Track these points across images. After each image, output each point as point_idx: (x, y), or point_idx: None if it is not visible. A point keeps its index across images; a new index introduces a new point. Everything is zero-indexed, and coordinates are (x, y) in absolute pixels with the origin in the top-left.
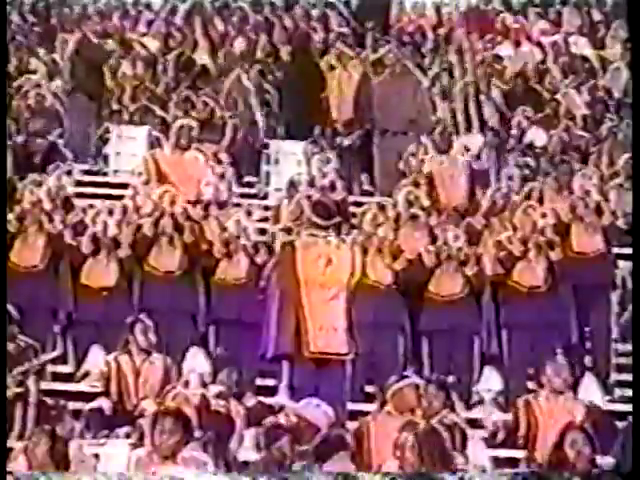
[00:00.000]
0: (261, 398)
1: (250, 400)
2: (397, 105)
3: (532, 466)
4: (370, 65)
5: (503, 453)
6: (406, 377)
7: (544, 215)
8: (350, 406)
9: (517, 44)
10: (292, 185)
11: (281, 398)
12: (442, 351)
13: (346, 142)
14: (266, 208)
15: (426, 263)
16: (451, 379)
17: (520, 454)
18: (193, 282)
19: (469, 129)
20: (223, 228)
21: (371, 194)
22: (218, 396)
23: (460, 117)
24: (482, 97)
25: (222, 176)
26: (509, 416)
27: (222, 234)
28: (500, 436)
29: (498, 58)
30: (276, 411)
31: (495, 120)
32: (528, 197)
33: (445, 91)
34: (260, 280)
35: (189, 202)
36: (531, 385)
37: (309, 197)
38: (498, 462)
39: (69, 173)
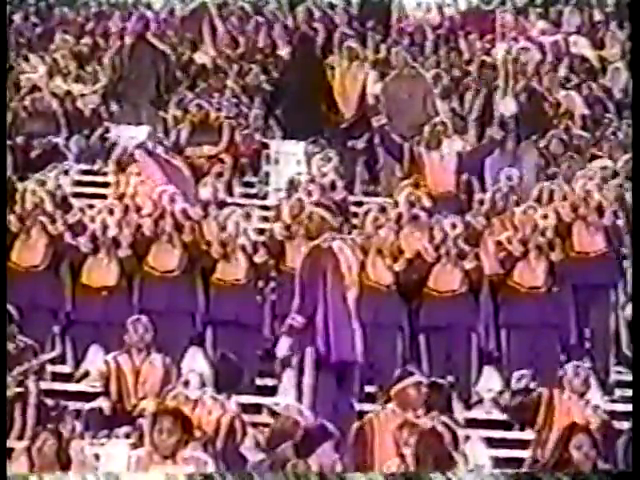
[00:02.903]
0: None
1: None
2: (406, 108)
3: (535, 466)
4: (374, 65)
5: (503, 453)
6: (410, 373)
7: (545, 216)
8: None
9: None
10: (292, 185)
11: (283, 398)
12: (440, 348)
13: (359, 145)
14: (266, 208)
15: (425, 258)
16: (450, 378)
17: (520, 454)
18: (192, 282)
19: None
20: (222, 228)
21: (373, 194)
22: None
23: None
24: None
25: (220, 175)
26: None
27: (221, 234)
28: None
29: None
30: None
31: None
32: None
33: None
34: (259, 280)
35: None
36: (532, 385)
37: (310, 195)
38: (498, 462)
39: (66, 172)
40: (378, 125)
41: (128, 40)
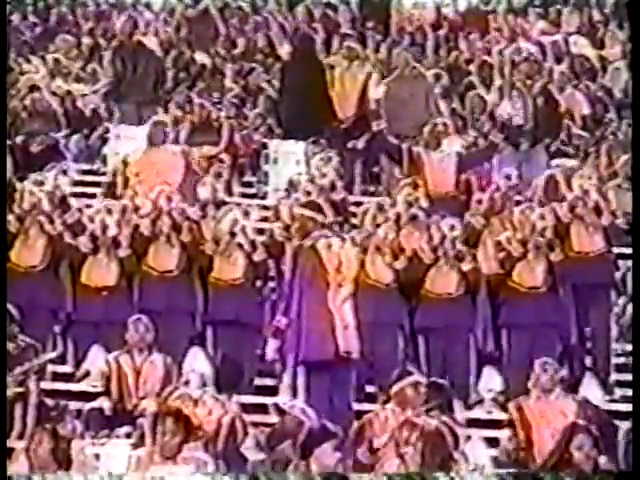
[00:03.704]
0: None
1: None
2: (408, 109)
3: (531, 467)
4: (375, 66)
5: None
6: (409, 373)
7: (543, 216)
8: None
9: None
10: (291, 185)
11: (284, 398)
12: (439, 350)
13: (359, 145)
14: (265, 208)
15: (423, 259)
16: (449, 378)
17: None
18: (191, 282)
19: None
20: (221, 227)
21: (373, 195)
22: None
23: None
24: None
25: (219, 175)
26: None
27: (219, 232)
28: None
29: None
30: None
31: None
32: None
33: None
34: (257, 280)
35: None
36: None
37: (308, 195)
38: (498, 462)
39: (65, 172)
40: (378, 130)
41: (124, 40)
